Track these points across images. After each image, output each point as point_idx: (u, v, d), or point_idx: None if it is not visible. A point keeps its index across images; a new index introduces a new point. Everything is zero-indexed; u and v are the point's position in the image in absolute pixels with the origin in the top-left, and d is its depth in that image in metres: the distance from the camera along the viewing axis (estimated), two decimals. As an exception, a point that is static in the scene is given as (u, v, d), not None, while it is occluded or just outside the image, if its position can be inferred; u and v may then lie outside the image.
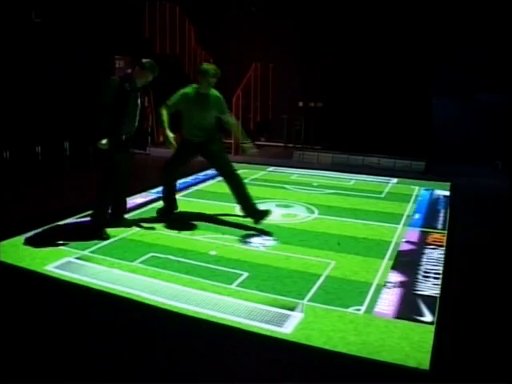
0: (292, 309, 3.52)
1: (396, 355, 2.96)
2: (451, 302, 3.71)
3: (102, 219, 5.02)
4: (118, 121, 4.79)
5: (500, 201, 7.12)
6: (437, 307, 3.59)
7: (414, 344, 3.08)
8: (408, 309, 3.57)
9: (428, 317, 3.45)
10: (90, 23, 9.36)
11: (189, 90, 5.31)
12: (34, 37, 8.32)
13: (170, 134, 5.19)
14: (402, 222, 5.71)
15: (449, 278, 4.14)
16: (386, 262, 4.47)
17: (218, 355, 3.02)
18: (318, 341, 3.11)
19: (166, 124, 5.25)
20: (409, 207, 6.39)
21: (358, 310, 3.53)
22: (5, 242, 4.71)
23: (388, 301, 3.68)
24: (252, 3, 11.56)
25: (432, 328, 3.28)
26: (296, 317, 3.41)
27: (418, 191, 7.35)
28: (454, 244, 5.01)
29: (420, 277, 4.16)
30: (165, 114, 5.26)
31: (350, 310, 3.52)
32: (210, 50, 11.20)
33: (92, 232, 4.91)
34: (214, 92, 5.36)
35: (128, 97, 4.81)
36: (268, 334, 3.19)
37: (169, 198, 5.73)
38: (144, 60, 4.89)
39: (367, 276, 4.12)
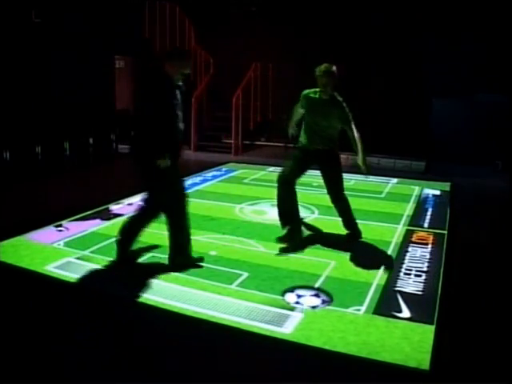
0: (292, 309, 3.52)
1: (396, 355, 2.96)
2: (451, 302, 3.71)
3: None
4: (174, 129, 4.04)
5: (500, 201, 7.12)
6: (437, 307, 3.59)
7: (414, 344, 3.08)
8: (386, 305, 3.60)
9: (406, 313, 3.48)
10: (90, 23, 9.36)
11: (311, 92, 4.98)
12: (33, 37, 8.32)
13: (292, 130, 5.36)
14: (402, 222, 5.73)
15: (449, 278, 4.14)
16: (386, 262, 4.47)
17: (218, 355, 3.03)
18: (317, 341, 3.11)
19: (294, 119, 5.34)
20: (409, 207, 6.40)
21: (358, 310, 3.53)
22: (5, 242, 4.71)
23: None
24: (252, 3, 11.55)
25: (432, 328, 3.28)
26: (296, 317, 3.41)
27: (418, 191, 7.36)
28: (454, 244, 5.01)
29: (401, 274, 4.19)
30: (298, 111, 5.23)
31: (350, 310, 3.52)
32: (209, 49, 11.19)
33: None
34: (337, 99, 4.96)
35: (173, 97, 4.03)
36: (268, 334, 3.19)
37: (293, 217, 5.01)
38: (168, 51, 4.18)
39: (367, 276, 4.13)
